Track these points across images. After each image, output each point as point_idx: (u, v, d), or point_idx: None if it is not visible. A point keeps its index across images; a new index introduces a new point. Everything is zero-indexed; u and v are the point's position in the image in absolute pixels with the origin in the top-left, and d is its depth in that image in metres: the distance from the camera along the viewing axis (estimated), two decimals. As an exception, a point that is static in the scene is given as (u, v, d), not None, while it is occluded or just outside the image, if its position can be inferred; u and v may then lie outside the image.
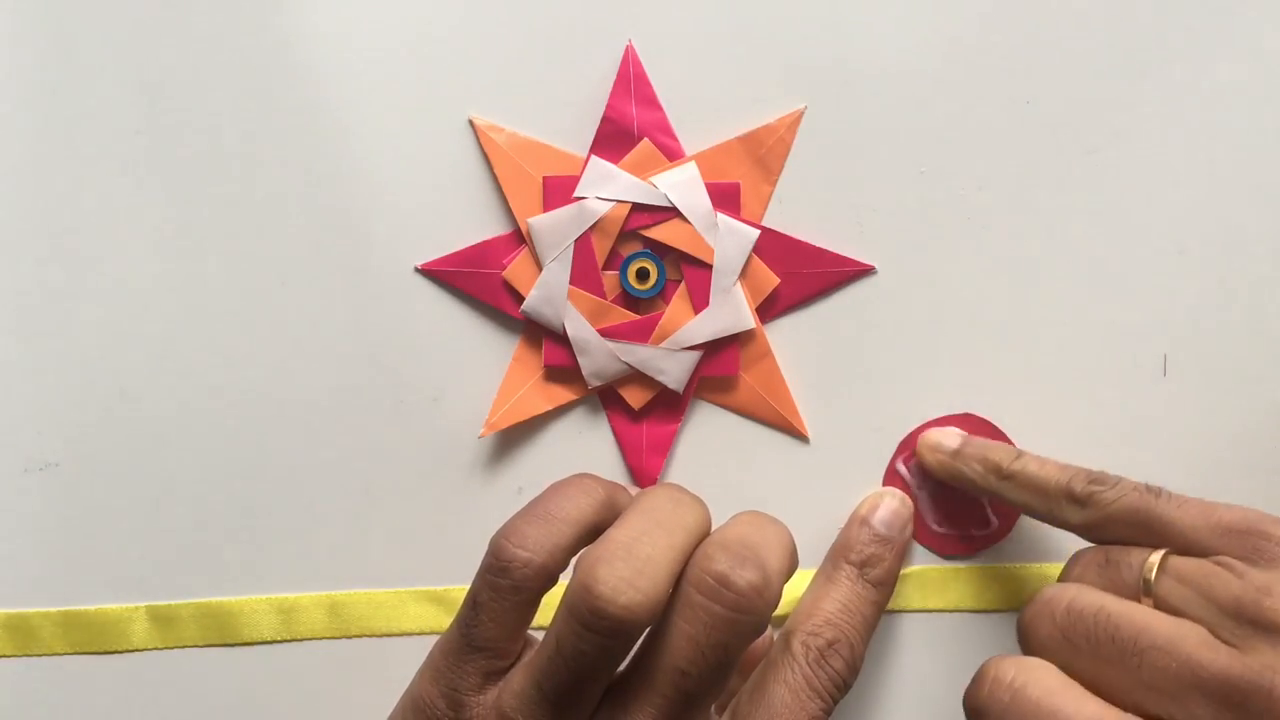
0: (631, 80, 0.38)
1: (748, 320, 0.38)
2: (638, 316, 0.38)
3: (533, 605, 0.31)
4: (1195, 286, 0.38)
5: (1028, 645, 0.32)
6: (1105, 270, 0.38)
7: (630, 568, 0.29)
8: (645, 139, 0.38)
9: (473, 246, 0.39)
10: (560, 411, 0.39)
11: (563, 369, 0.39)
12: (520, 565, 0.30)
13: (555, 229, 0.38)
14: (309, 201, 0.39)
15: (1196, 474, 0.38)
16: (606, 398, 0.39)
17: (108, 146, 0.39)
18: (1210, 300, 0.38)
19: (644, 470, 0.39)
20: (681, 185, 0.38)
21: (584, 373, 0.38)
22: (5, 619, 0.40)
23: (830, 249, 0.38)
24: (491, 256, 0.39)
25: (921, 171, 0.38)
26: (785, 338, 0.39)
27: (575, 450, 0.39)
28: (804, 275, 0.38)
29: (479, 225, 0.39)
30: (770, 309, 0.38)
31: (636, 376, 0.38)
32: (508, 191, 0.38)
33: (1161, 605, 0.30)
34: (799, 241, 0.38)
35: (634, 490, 0.33)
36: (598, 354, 0.38)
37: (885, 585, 0.35)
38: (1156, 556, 0.31)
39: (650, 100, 0.38)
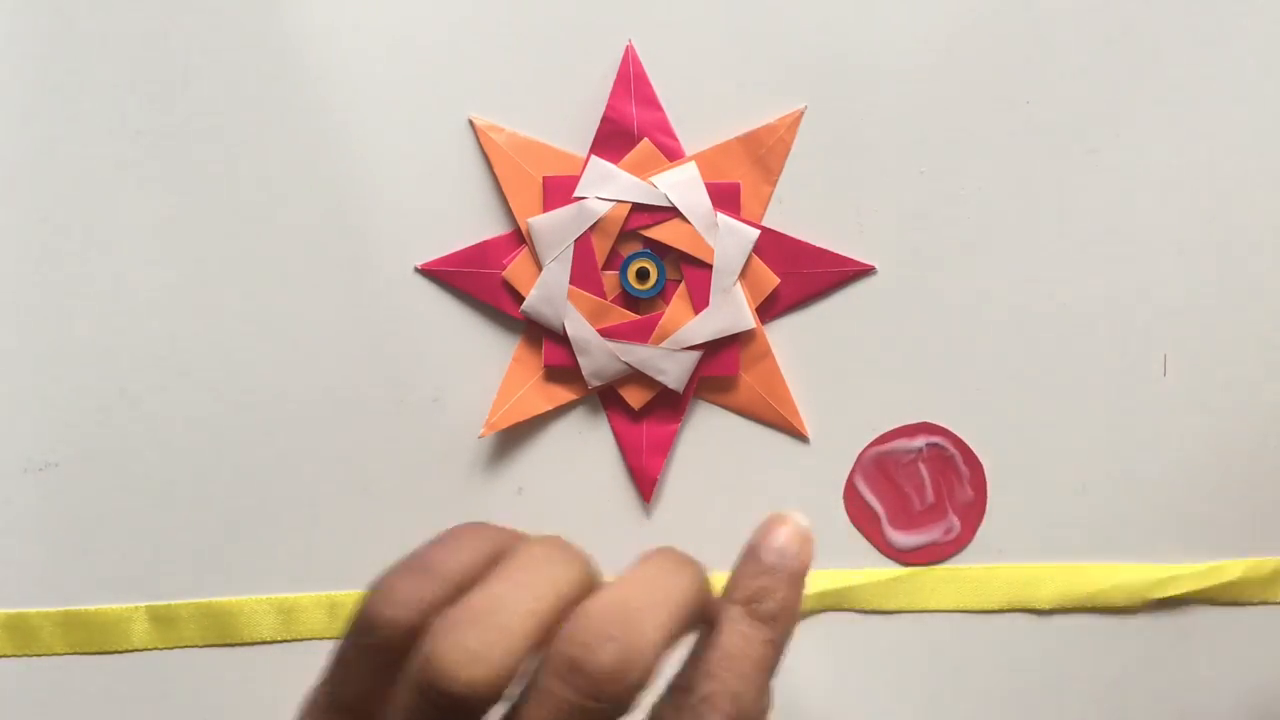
0: (631, 80, 0.38)
1: (748, 320, 0.38)
2: (638, 316, 0.38)
3: (400, 666, 0.28)
4: (1195, 286, 0.38)
5: None
6: (1105, 270, 0.38)
7: (480, 639, 0.26)
8: (645, 139, 0.38)
9: (473, 246, 0.39)
10: (560, 411, 0.39)
11: (563, 369, 0.39)
12: (385, 624, 0.27)
13: (555, 229, 0.38)
14: (309, 201, 0.39)
15: (1196, 474, 0.38)
16: (606, 398, 0.39)
17: (108, 147, 0.39)
18: (1210, 300, 0.38)
19: (644, 470, 0.39)
20: (681, 185, 0.38)
21: (584, 373, 0.38)
22: (5, 619, 0.40)
23: (830, 249, 0.38)
24: (491, 256, 0.39)
25: (921, 171, 0.38)
26: (785, 338, 0.39)
27: (575, 450, 0.39)
28: (804, 275, 0.38)
29: (479, 225, 0.39)
30: (770, 309, 0.38)
31: (636, 376, 0.38)
32: (508, 191, 0.38)
33: None
34: (799, 241, 0.38)
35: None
36: (598, 354, 0.38)
37: (779, 620, 0.30)
38: None
39: (650, 100, 0.38)
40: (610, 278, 0.38)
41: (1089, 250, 0.38)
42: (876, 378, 0.39)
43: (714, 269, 0.38)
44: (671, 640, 0.27)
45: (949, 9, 0.37)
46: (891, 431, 0.38)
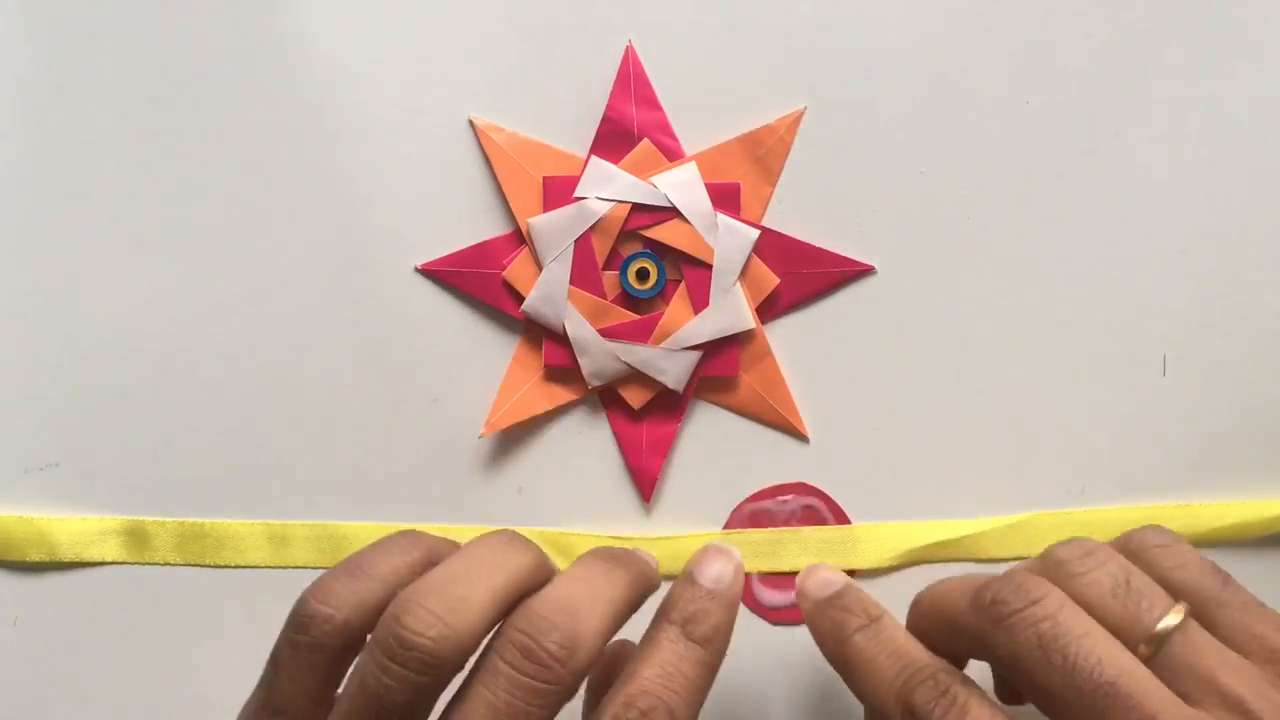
0: (631, 80, 0.38)
1: (748, 320, 0.38)
2: (638, 316, 0.38)
3: (335, 666, 0.29)
4: (1195, 286, 0.38)
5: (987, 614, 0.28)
6: (1105, 270, 0.38)
7: (443, 604, 0.28)
8: (645, 139, 0.38)
9: (473, 246, 0.39)
10: (560, 411, 0.39)
11: (563, 369, 0.39)
12: (321, 621, 0.29)
13: (555, 229, 0.38)
14: (309, 201, 0.39)
15: (1196, 474, 0.38)
16: (606, 398, 0.39)
17: (107, 147, 0.39)
18: (1210, 300, 0.38)
19: (644, 470, 0.39)
20: (681, 185, 0.38)
21: (584, 373, 0.38)
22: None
23: (830, 249, 0.38)
24: (491, 256, 0.39)
25: (921, 171, 0.38)
26: (785, 338, 0.39)
27: (575, 450, 0.39)
28: (804, 275, 0.38)
29: (479, 225, 0.39)
30: (770, 309, 0.38)
31: (636, 376, 0.38)
32: (508, 191, 0.38)
33: (1158, 667, 0.27)
34: (799, 241, 0.38)
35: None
36: (598, 354, 0.38)
37: (713, 642, 0.31)
38: (1178, 614, 0.28)
39: (650, 100, 0.38)
40: (610, 278, 0.38)
41: (1089, 250, 0.38)
42: (876, 378, 0.39)
43: (714, 269, 0.38)
44: (610, 631, 0.30)
45: (949, 9, 0.37)
46: (768, 489, 0.38)
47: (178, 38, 0.38)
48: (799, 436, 0.39)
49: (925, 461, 0.39)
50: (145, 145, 0.39)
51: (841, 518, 0.38)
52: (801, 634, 0.38)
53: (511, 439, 0.39)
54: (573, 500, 0.39)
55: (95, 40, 0.39)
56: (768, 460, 0.39)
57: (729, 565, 0.33)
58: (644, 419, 0.39)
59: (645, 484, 0.39)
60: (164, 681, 0.40)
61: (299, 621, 0.29)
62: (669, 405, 0.39)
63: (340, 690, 0.29)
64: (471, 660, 0.29)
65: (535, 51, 0.38)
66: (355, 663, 0.28)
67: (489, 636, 0.29)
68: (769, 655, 0.39)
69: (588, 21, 0.38)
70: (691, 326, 0.38)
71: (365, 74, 0.38)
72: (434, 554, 0.31)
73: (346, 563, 0.31)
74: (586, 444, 0.39)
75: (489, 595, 0.29)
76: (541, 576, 0.31)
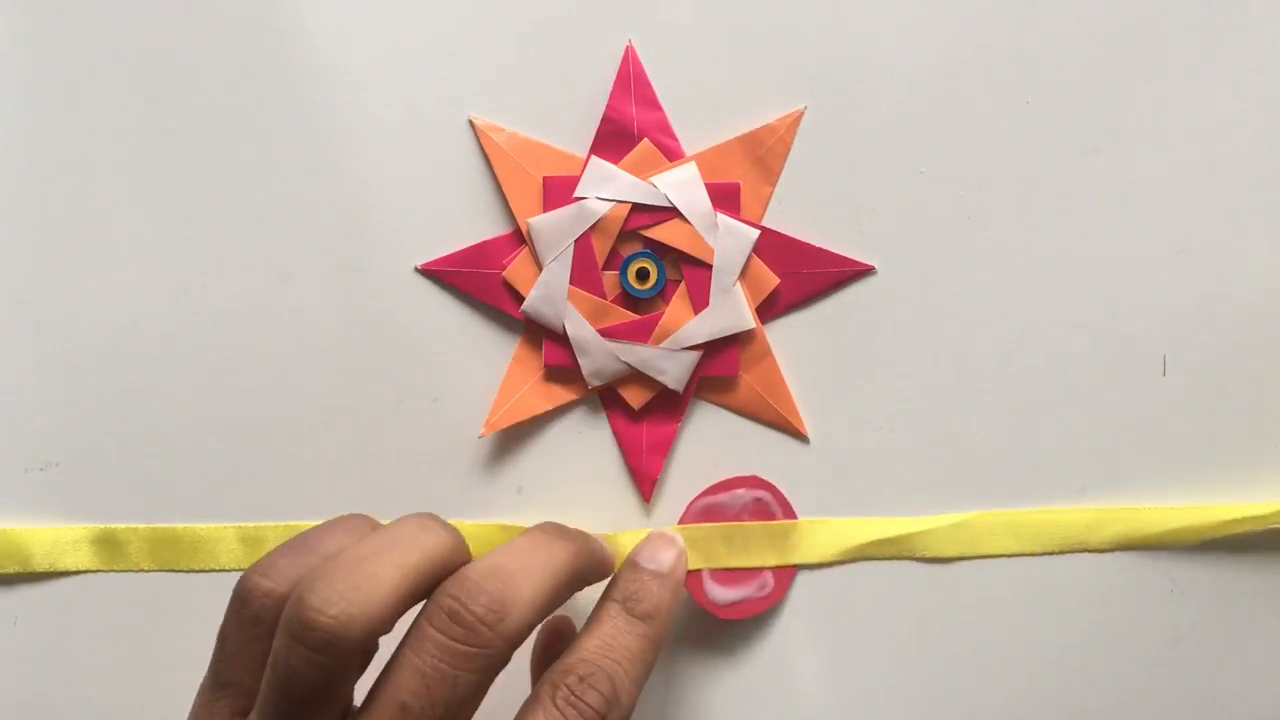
0: (631, 80, 0.38)
1: (748, 320, 0.38)
2: (638, 316, 0.38)
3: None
4: (1195, 286, 0.38)
5: None
6: (1105, 270, 0.38)
7: (348, 583, 0.28)
8: (645, 139, 0.38)
9: (473, 246, 0.39)
10: (560, 411, 0.39)
11: (563, 369, 0.39)
12: (261, 594, 0.29)
13: (555, 229, 0.38)
14: (309, 201, 0.39)
15: (1196, 474, 0.38)
16: (606, 398, 0.39)
17: (107, 147, 0.39)
18: (1210, 300, 0.38)
19: (644, 470, 0.39)
20: (681, 185, 0.38)
21: (584, 373, 0.38)
22: (5, 619, 0.40)
23: (830, 249, 0.38)
24: (491, 256, 0.39)
25: (921, 171, 0.38)
26: (785, 338, 0.39)
27: (575, 450, 0.39)
28: (804, 275, 0.38)
29: (479, 225, 0.39)
30: (770, 309, 0.38)
31: (636, 376, 0.38)
32: (508, 191, 0.38)
33: None
34: (799, 241, 0.38)
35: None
36: (598, 354, 0.38)
37: (653, 618, 0.33)
38: None
39: (650, 100, 0.38)
40: (610, 278, 0.38)
41: (1089, 250, 0.38)
42: (876, 378, 0.39)
43: (714, 269, 0.38)
44: (547, 599, 0.30)
45: (949, 9, 0.37)
46: (721, 483, 0.38)
47: (178, 37, 0.38)
48: (799, 436, 0.39)
49: (925, 461, 0.39)
50: (145, 145, 0.39)
51: (789, 512, 0.38)
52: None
53: (511, 439, 0.39)
54: (573, 500, 0.39)
55: (95, 40, 0.39)
56: (768, 460, 0.39)
57: (671, 550, 0.35)
58: (644, 419, 0.39)
59: (645, 484, 0.39)
60: (139, 688, 0.40)
61: (241, 595, 0.30)
62: (669, 405, 0.39)
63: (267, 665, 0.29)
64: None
65: (535, 51, 0.38)
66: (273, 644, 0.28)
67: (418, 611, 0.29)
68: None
69: (588, 21, 0.38)
70: (691, 326, 0.38)
71: (365, 74, 0.38)
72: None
73: (292, 540, 0.31)
74: (586, 444, 0.39)
75: (399, 574, 0.28)
76: (458, 559, 0.31)
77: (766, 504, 0.38)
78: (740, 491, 0.38)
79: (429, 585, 0.29)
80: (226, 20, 0.38)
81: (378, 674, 0.29)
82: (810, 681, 0.39)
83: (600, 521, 0.39)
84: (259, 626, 0.29)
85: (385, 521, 0.39)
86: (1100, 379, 0.38)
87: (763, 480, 0.38)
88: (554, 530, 0.33)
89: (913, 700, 0.39)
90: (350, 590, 0.27)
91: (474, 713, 0.29)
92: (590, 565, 0.33)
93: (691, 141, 0.38)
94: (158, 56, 0.39)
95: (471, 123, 0.38)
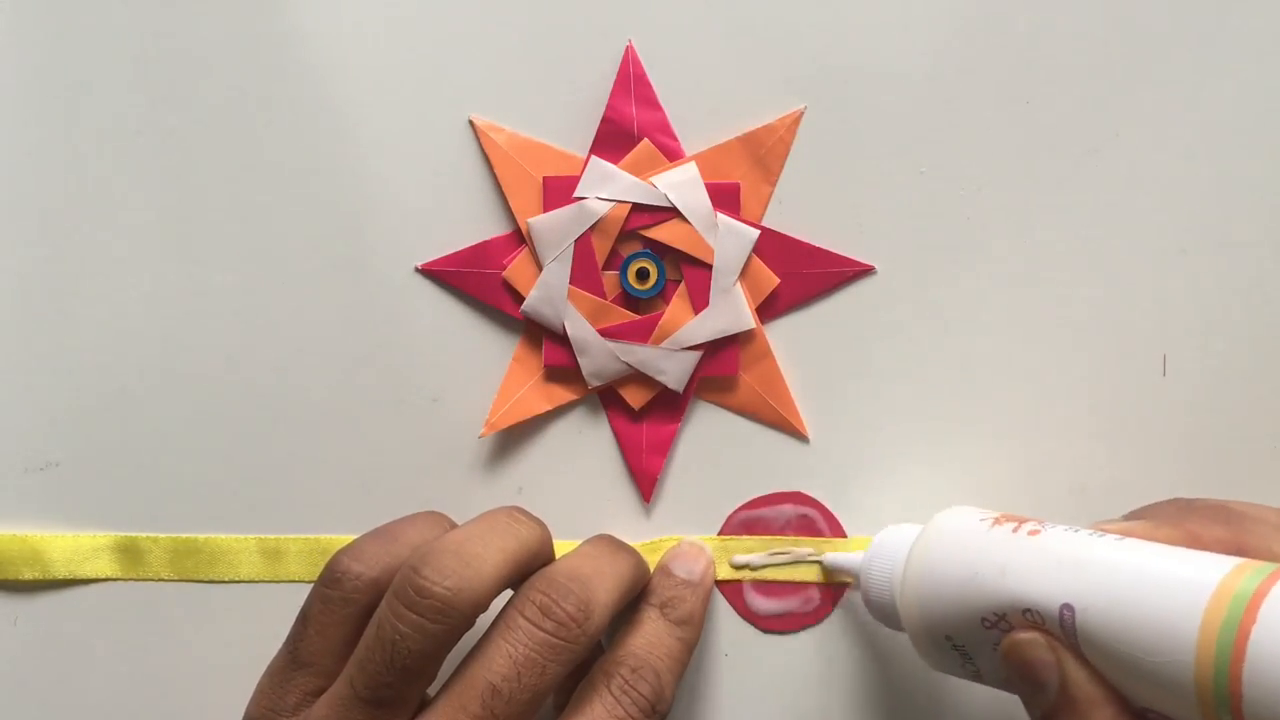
0: (631, 80, 0.38)
1: (748, 320, 0.38)
2: (638, 316, 0.38)
3: (360, 623, 0.31)
4: (1195, 286, 0.38)
5: None
6: (1105, 270, 0.38)
7: (458, 559, 0.30)
8: (645, 139, 0.38)
9: (473, 246, 0.39)
10: (560, 411, 0.39)
11: (563, 369, 0.39)
12: (353, 577, 0.31)
13: (555, 229, 0.38)
14: (309, 201, 0.39)
15: (1196, 474, 0.38)
16: (606, 398, 0.39)
17: (108, 146, 0.39)
18: (1210, 300, 0.38)
19: (644, 470, 0.39)
20: (681, 185, 0.38)
21: (584, 373, 0.38)
22: (5, 619, 0.40)
23: (830, 249, 0.38)
24: (491, 256, 0.39)
25: (921, 171, 0.38)
26: (785, 338, 0.39)
27: (575, 450, 0.39)
28: (804, 275, 0.38)
29: (479, 225, 0.39)
30: (770, 309, 0.38)
31: (636, 376, 0.38)
32: (508, 191, 0.38)
33: None
34: (799, 241, 0.38)
35: None
36: (598, 354, 0.38)
37: (688, 624, 0.35)
38: None
39: (650, 100, 0.38)
40: (610, 278, 0.38)
41: (1089, 250, 0.38)
42: (876, 378, 0.39)
43: (714, 269, 0.38)
44: (616, 605, 0.32)
45: (949, 9, 0.37)
46: (763, 497, 0.39)
47: (178, 38, 0.38)
48: (799, 436, 0.39)
49: (925, 461, 0.39)
50: (145, 145, 0.39)
51: (837, 530, 0.38)
52: (795, 642, 0.38)
53: (511, 439, 0.39)
54: (573, 500, 0.39)
55: (96, 40, 0.39)
56: (768, 461, 0.39)
57: (701, 559, 0.37)
58: (644, 419, 0.39)
59: (645, 484, 0.39)
60: (159, 697, 0.40)
61: (332, 577, 0.31)
62: (669, 405, 0.39)
63: (356, 648, 0.30)
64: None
65: (535, 51, 0.38)
66: (375, 613, 0.30)
67: (504, 601, 0.31)
68: (762, 663, 0.39)
69: (588, 21, 0.38)
70: (691, 326, 0.38)
71: (365, 74, 0.38)
72: None
73: (377, 530, 0.33)
74: (586, 444, 0.39)
75: (501, 557, 0.31)
76: (546, 551, 0.33)
77: (812, 520, 0.38)
78: (786, 507, 0.38)
79: (524, 572, 0.32)
80: (227, 20, 0.38)
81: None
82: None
83: (600, 521, 0.39)
84: (347, 608, 0.31)
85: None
86: (1100, 379, 0.38)
87: (808, 497, 0.38)
88: (616, 542, 0.35)
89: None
90: (461, 566, 0.30)
91: (542, 706, 0.30)
92: (642, 578, 0.35)
93: (691, 141, 0.38)
94: (158, 56, 0.39)
95: (471, 123, 0.38)
